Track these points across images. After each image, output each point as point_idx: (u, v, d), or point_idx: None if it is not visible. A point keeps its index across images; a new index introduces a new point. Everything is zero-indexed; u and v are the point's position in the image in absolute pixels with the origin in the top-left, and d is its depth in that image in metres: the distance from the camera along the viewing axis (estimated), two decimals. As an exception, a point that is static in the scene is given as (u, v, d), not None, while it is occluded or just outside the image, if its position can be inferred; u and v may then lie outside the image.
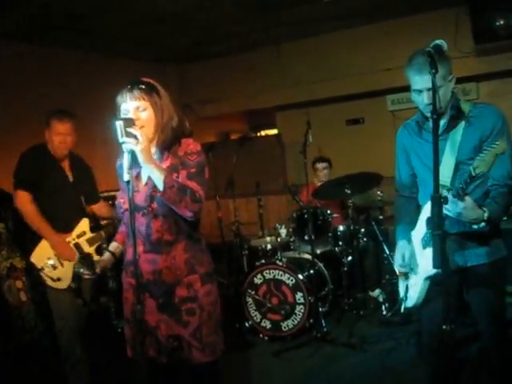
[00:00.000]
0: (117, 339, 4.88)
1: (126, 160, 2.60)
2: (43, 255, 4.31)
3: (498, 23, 6.26)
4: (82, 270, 4.21)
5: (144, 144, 2.62)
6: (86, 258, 4.30)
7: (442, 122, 3.04)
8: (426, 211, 3.06)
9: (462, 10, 6.75)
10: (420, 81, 2.93)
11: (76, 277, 4.27)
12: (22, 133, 6.26)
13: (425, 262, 3.06)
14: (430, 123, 3.03)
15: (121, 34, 6.92)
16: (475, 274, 3.08)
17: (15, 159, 4.45)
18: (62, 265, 4.31)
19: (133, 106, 2.83)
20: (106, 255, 3.53)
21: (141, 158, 2.64)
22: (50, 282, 4.30)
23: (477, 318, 3.24)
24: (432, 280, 3.08)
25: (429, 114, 2.93)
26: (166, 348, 2.94)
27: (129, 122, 2.63)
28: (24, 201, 4.29)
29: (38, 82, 6.59)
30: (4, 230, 5.64)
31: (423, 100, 2.95)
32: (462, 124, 3.01)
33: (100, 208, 4.81)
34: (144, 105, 2.84)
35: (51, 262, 4.29)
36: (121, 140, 2.59)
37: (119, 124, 2.58)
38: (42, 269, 4.28)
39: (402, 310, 3.34)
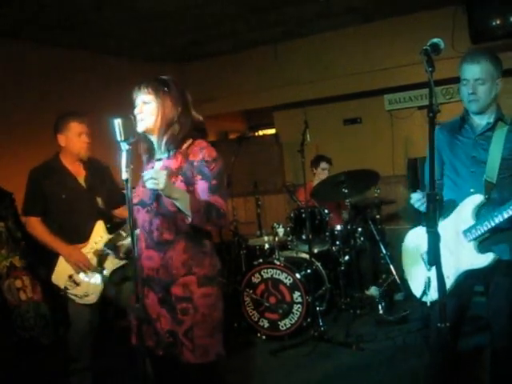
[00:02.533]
0: (116, 343, 4.94)
1: (123, 159, 2.61)
2: (63, 274, 4.18)
3: (494, 23, 6.26)
4: (107, 251, 4.10)
5: (163, 183, 2.61)
6: (110, 243, 4.20)
7: (485, 122, 3.21)
8: (470, 203, 3.15)
9: (459, 10, 6.76)
10: (469, 69, 3.14)
11: (101, 257, 4.15)
12: (21, 133, 6.27)
13: (468, 255, 3.13)
14: (472, 121, 3.26)
15: (119, 34, 6.90)
16: (506, 267, 3.13)
17: (15, 159, 4.41)
18: (84, 278, 4.16)
19: (140, 99, 2.93)
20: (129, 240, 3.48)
21: (165, 194, 2.68)
22: (77, 300, 4.16)
23: (493, 318, 3.25)
24: (467, 274, 3.16)
25: (471, 108, 3.19)
26: (163, 341, 2.96)
27: (128, 121, 2.63)
28: (33, 226, 4.22)
29: (39, 81, 6.58)
30: (4, 229, 5.63)
31: (468, 89, 3.15)
32: (506, 128, 3.16)
33: (121, 212, 4.53)
34: (148, 98, 2.93)
35: (72, 278, 4.16)
36: (118, 138, 2.60)
37: (117, 122, 2.58)
38: (66, 288, 4.15)
39: (428, 303, 3.25)
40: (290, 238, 6.36)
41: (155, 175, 2.60)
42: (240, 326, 5.81)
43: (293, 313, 5.57)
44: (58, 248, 4.15)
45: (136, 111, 2.92)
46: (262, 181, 7.36)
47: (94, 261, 4.17)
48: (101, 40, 7.08)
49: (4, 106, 6.17)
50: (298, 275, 5.58)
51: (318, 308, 5.68)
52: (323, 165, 6.95)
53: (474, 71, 3.12)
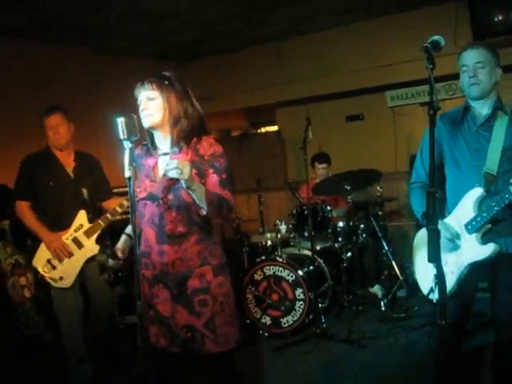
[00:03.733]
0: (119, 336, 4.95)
1: (126, 157, 2.61)
2: (43, 258, 4.43)
3: (496, 18, 6.27)
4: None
5: (187, 173, 2.64)
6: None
7: (486, 112, 3.21)
8: (470, 197, 3.15)
9: (461, 6, 6.75)
10: (468, 55, 3.17)
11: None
12: (24, 131, 6.27)
13: (470, 248, 3.14)
14: (474, 111, 3.25)
15: (122, 32, 6.92)
16: (510, 260, 3.13)
17: (18, 156, 4.53)
18: (61, 263, 4.41)
19: (144, 95, 2.94)
20: (123, 238, 3.48)
21: (186, 185, 2.70)
22: (53, 283, 4.41)
23: (498, 311, 3.25)
24: (474, 266, 3.15)
25: (472, 93, 3.18)
26: (178, 338, 2.96)
27: (130, 120, 2.64)
28: (21, 210, 4.50)
29: (40, 79, 6.58)
30: (9, 227, 5.67)
31: (468, 74, 3.15)
32: (506, 118, 3.15)
33: (109, 204, 4.78)
34: (153, 94, 2.94)
35: (50, 262, 4.41)
36: (121, 137, 2.61)
37: (120, 121, 2.59)
38: (44, 272, 4.40)
39: (435, 300, 3.26)
40: (292, 235, 6.36)
41: (180, 166, 2.63)
42: (242, 323, 5.80)
43: (295, 310, 5.57)
44: (41, 234, 4.44)
45: (141, 107, 2.95)
46: (265, 178, 7.38)
47: (72, 247, 4.44)
48: (102, 38, 7.09)
49: (6, 105, 6.18)
50: (300, 272, 5.58)
51: (320, 305, 5.70)
52: (321, 165, 6.93)
53: (472, 56, 3.15)
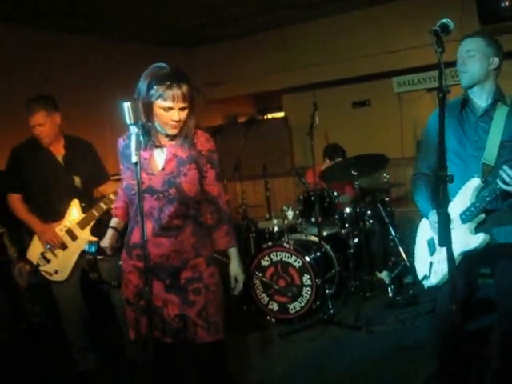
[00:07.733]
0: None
1: (133, 142, 2.60)
2: (36, 251, 4.36)
3: (503, 4, 6.23)
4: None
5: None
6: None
7: (485, 104, 3.20)
8: (468, 187, 3.14)
9: (468, -9, 6.71)
10: (461, 46, 3.20)
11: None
12: (22, 119, 6.25)
13: (462, 237, 3.13)
14: (473, 103, 3.24)
15: (128, 18, 6.88)
16: (507, 250, 3.13)
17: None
18: (55, 256, 4.32)
19: (177, 105, 2.85)
20: (110, 233, 3.42)
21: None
22: (48, 277, 4.35)
23: (501, 299, 3.25)
24: (466, 255, 3.16)
25: (462, 83, 3.21)
26: (171, 328, 2.99)
27: (136, 105, 2.63)
28: (13, 203, 4.39)
29: (44, 67, 6.57)
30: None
31: (458, 64, 3.19)
32: (506, 109, 3.14)
33: (106, 189, 4.58)
34: (185, 104, 2.88)
35: (43, 255, 4.34)
36: (128, 122, 2.60)
37: (127, 106, 2.58)
38: (38, 265, 4.34)
39: (426, 287, 3.39)
40: (299, 221, 6.33)
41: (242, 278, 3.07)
42: (249, 309, 5.82)
43: (302, 296, 5.57)
44: (33, 225, 4.33)
45: (176, 118, 2.87)
46: (271, 164, 7.36)
47: (66, 239, 4.31)
48: (109, 25, 7.06)
49: (8, 94, 6.15)
50: (307, 258, 5.58)
51: (327, 291, 5.69)
52: (338, 159, 6.89)
53: (465, 45, 3.18)
